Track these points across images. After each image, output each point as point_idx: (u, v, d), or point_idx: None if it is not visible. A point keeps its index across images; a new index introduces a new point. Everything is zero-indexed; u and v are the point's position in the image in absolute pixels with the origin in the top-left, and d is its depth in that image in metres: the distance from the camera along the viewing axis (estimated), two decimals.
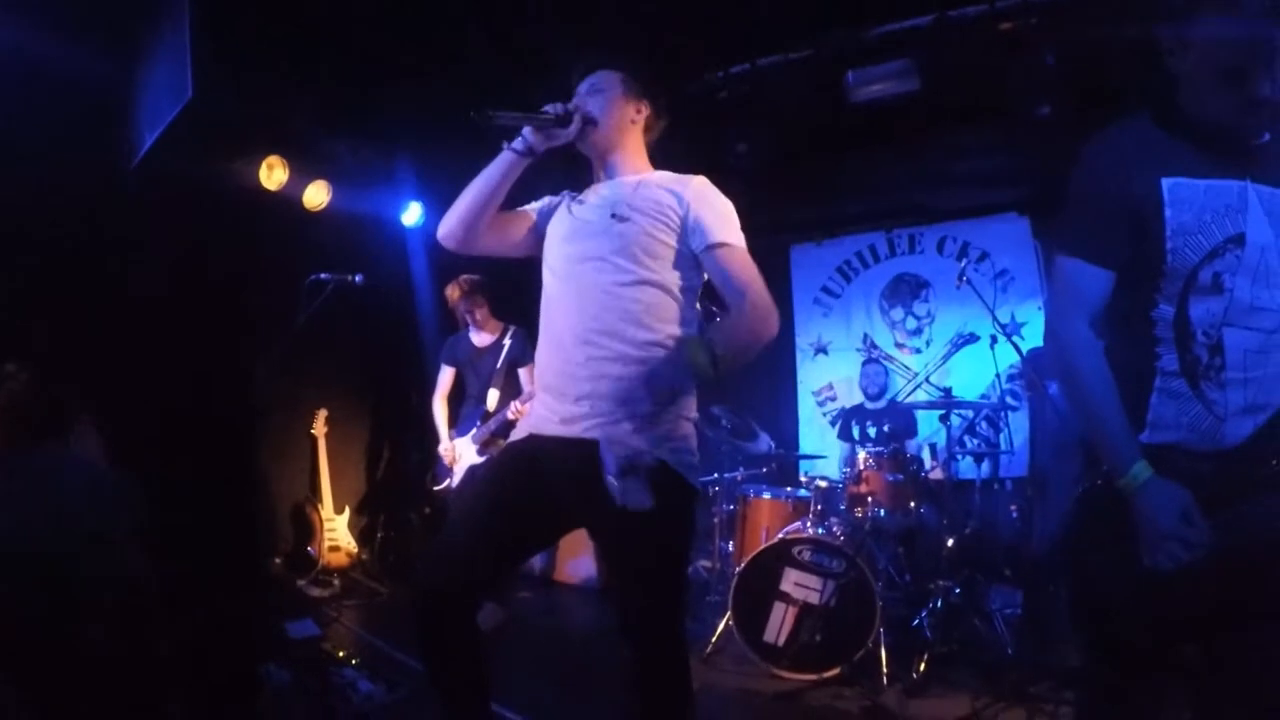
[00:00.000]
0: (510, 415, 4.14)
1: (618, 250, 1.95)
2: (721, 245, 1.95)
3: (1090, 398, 1.47)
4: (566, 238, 2.07)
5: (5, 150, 3.51)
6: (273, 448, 5.06)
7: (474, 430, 4.40)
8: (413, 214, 5.33)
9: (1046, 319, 1.60)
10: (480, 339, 4.48)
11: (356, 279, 3.98)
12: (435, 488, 4.56)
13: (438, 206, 4.94)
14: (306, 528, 5.11)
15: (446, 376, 4.57)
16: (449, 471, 4.46)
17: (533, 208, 2.22)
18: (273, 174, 4.53)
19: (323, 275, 3.97)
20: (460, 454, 4.42)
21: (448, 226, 2.11)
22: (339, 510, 5.16)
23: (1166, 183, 1.42)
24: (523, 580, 4.96)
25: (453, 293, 4.44)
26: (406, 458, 5.86)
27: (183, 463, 3.86)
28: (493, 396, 4.28)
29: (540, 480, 1.95)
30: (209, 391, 4.23)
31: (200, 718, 2.57)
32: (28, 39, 3.50)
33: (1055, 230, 1.59)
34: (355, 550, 5.09)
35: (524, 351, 4.29)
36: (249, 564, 4.54)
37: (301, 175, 4.69)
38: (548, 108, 2.00)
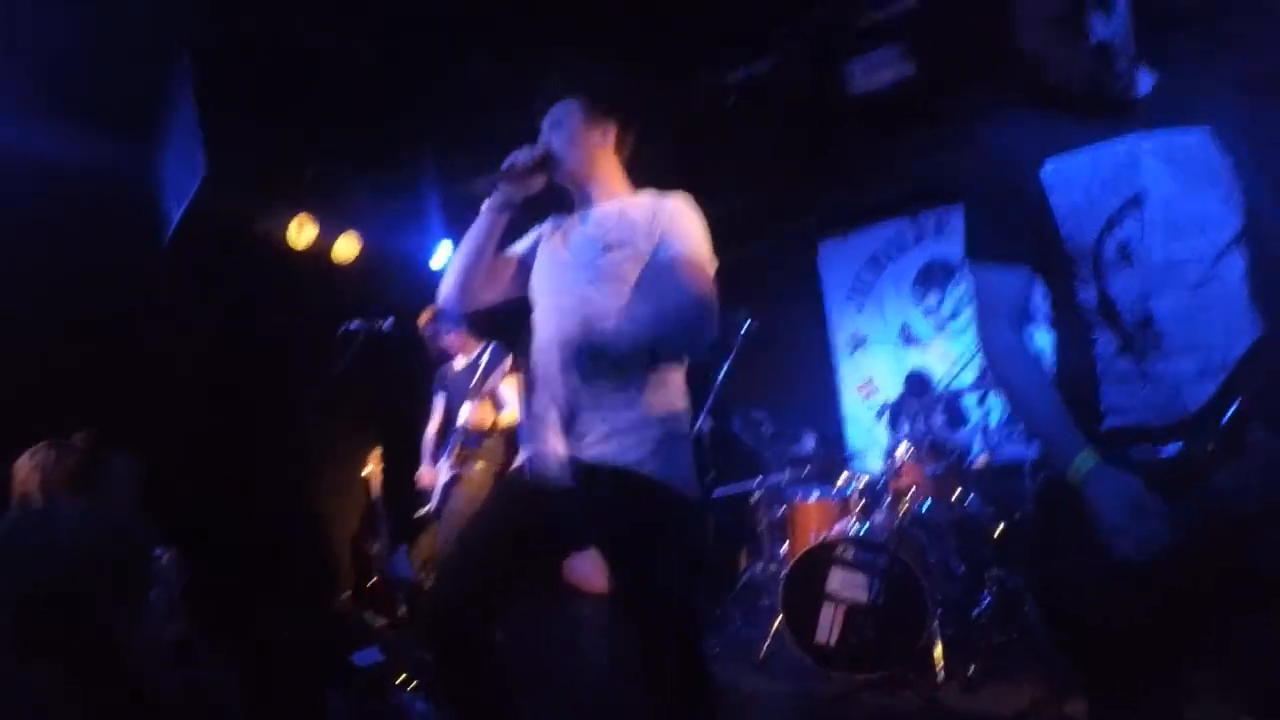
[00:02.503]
0: (470, 425, 4.11)
1: (602, 282, 1.99)
2: (679, 255, 1.96)
3: (1021, 399, 1.44)
4: (552, 273, 2.12)
5: (50, 244, 3.75)
6: (330, 490, 5.24)
7: (448, 447, 4.39)
8: (441, 255, 5.35)
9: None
10: (459, 361, 4.46)
11: (385, 325, 4.11)
12: (416, 515, 4.54)
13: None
14: (369, 563, 5.23)
15: (438, 405, 4.55)
16: (429, 497, 4.45)
17: (520, 247, 2.26)
18: (302, 232, 4.65)
19: (353, 325, 4.10)
20: (439, 475, 4.39)
21: (446, 292, 2.20)
22: (396, 545, 5.25)
23: (1046, 166, 1.37)
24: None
25: (421, 322, 4.43)
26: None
27: (239, 510, 4.01)
28: (465, 410, 4.21)
29: (543, 502, 1.99)
30: (259, 446, 4.40)
31: None
32: (54, 140, 3.68)
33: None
34: (413, 581, 5.18)
35: (500, 364, 4.21)
36: (312, 599, 4.67)
37: (330, 228, 4.81)
38: (515, 157, 2.04)
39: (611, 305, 1.96)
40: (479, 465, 4.21)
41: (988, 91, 3.64)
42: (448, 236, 5.32)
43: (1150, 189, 1.32)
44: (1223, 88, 1.39)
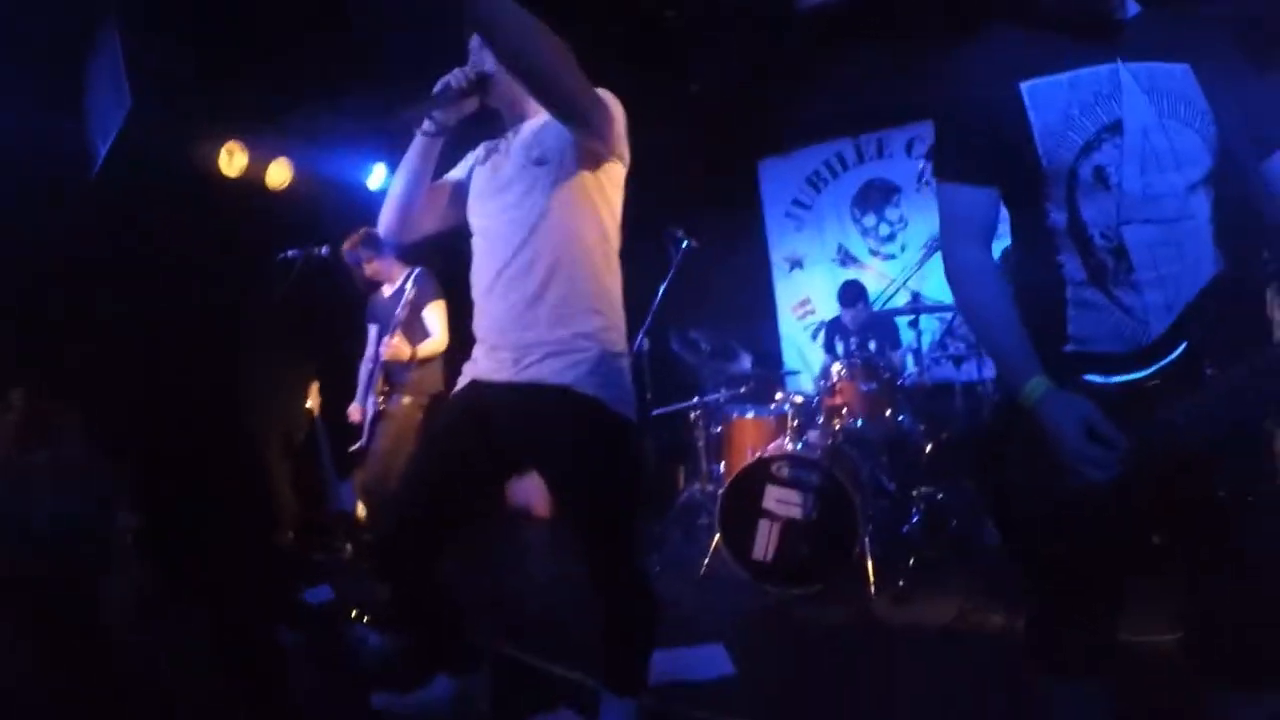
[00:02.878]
0: (386, 355, 4.00)
1: (536, 193, 1.95)
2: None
3: (982, 321, 1.45)
4: (486, 192, 2.07)
5: None
6: (272, 425, 5.13)
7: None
8: (377, 176, 5.25)
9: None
10: (386, 289, 4.31)
11: (323, 251, 3.99)
12: (350, 449, 4.38)
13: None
14: (314, 498, 5.14)
15: (370, 336, 4.41)
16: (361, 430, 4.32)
17: (457, 173, 2.22)
18: (233, 160, 4.52)
19: (290, 252, 3.97)
20: (367, 410, 4.25)
21: (384, 222, 2.17)
22: (343, 477, 5.15)
23: (1025, 86, 1.35)
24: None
25: (344, 249, 4.24)
26: None
27: (179, 447, 3.92)
28: (390, 342, 4.05)
29: (485, 423, 2.01)
30: (195, 380, 4.27)
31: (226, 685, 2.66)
32: None
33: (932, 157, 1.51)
34: (364, 511, 5.13)
35: (425, 291, 4.11)
36: (259, 537, 4.61)
37: (262, 155, 4.69)
38: (448, 79, 1.98)
39: (549, 215, 1.94)
40: (405, 399, 4.11)
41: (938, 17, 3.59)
42: (382, 159, 5.20)
43: (1129, 117, 1.31)
44: (1204, 27, 1.38)
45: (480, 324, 2.06)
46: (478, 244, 2.08)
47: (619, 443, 1.99)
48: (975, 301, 1.45)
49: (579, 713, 2.37)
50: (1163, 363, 1.31)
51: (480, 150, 2.17)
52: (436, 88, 1.99)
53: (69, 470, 2.64)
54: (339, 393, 4.68)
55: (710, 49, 4.47)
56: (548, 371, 1.93)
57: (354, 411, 4.35)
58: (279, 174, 4.79)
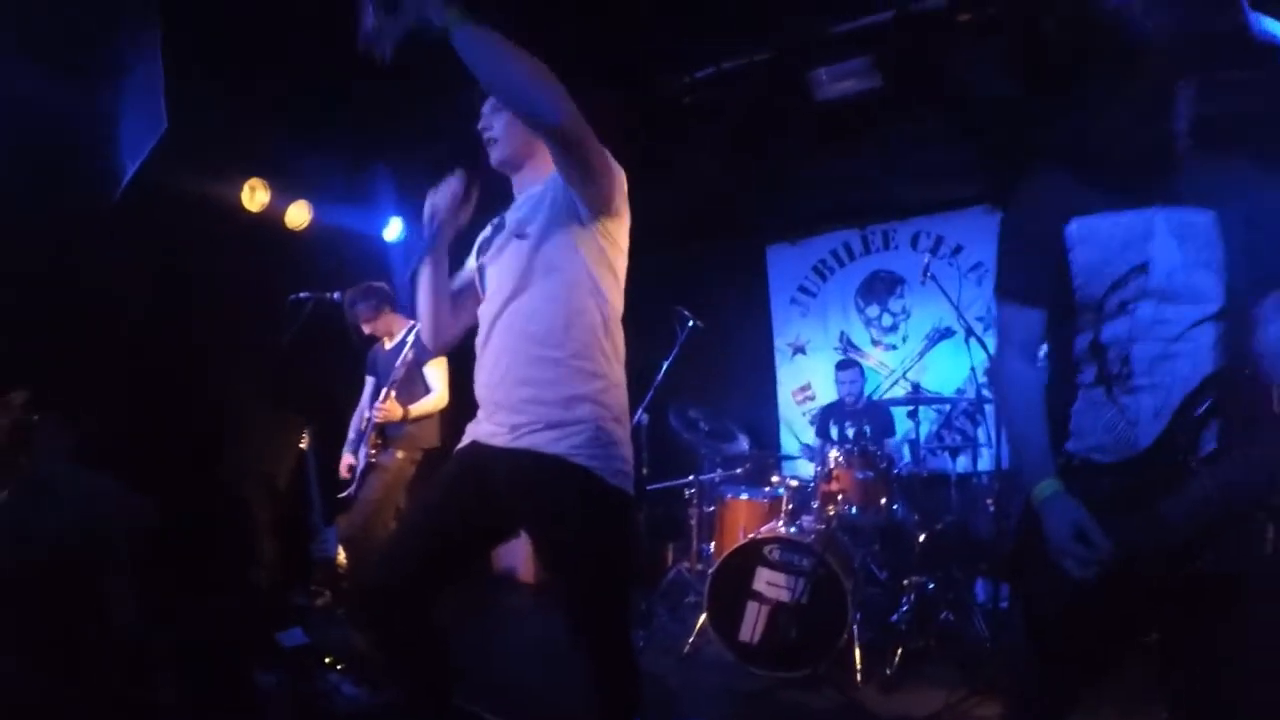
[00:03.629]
0: (378, 418, 4.01)
1: (519, 269, 1.97)
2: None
3: (1015, 424, 1.64)
4: (487, 263, 2.11)
5: None
6: (261, 465, 5.07)
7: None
8: (394, 229, 5.31)
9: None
10: (387, 342, 4.32)
11: (335, 297, 3.99)
12: (339, 495, 4.39)
13: (419, 219, 5.19)
14: (298, 541, 5.03)
15: (368, 388, 4.42)
16: (349, 482, 4.33)
17: (470, 263, 2.22)
18: (254, 196, 4.57)
19: (302, 294, 3.99)
20: (357, 460, 4.27)
21: (427, 340, 2.24)
22: (329, 523, 5.12)
23: (1072, 224, 1.54)
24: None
25: (345, 306, 4.26)
26: None
27: (166, 479, 3.90)
28: (386, 397, 4.06)
29: (482, 483, 1.99)
30: (191, 410, 4.26)
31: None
32: (8, 73, 3.53)
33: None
34: (346, 560, 5.07)
35: (427, 348, 4.14)
36: (236, 574, 4.54)
37: (283, 196, 4.73)
38: (433, 202, 2.09)
39: (537, 288, 1.95)
40: (398, 453, 4.10)
41: (947, 115, 3.73)
42: (399, 214, 5.28)
43: (1157, 259, 1.50)
44: (1232, 177, 1.54)
45: (479, 386, 2.07)
46: (480, 314, 2.10)
47: (612, 514, 1.94)
48: (1013, 406, 1.65)
49: None
50: (1155, 464, 1.48)
51: (488, 228, 2.19)
52: (425, 213, 2.07)
53: (108, 486, 2.67)
54: (332, 439, 4.69)
55: (726, 131, 4.62)
56: (542, 440, 1.90)
57: (344, 463, 4.33)
58: (299, 215, 4.84)
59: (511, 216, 2.08)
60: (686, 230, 4.77)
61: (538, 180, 2.07)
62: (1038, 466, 1.56)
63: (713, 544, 4.85)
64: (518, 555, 5.48)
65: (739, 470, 5.23)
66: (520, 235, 1.99)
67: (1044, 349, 1.69)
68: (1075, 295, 1.55)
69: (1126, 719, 2.70)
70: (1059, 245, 1.55)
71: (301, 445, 5.06)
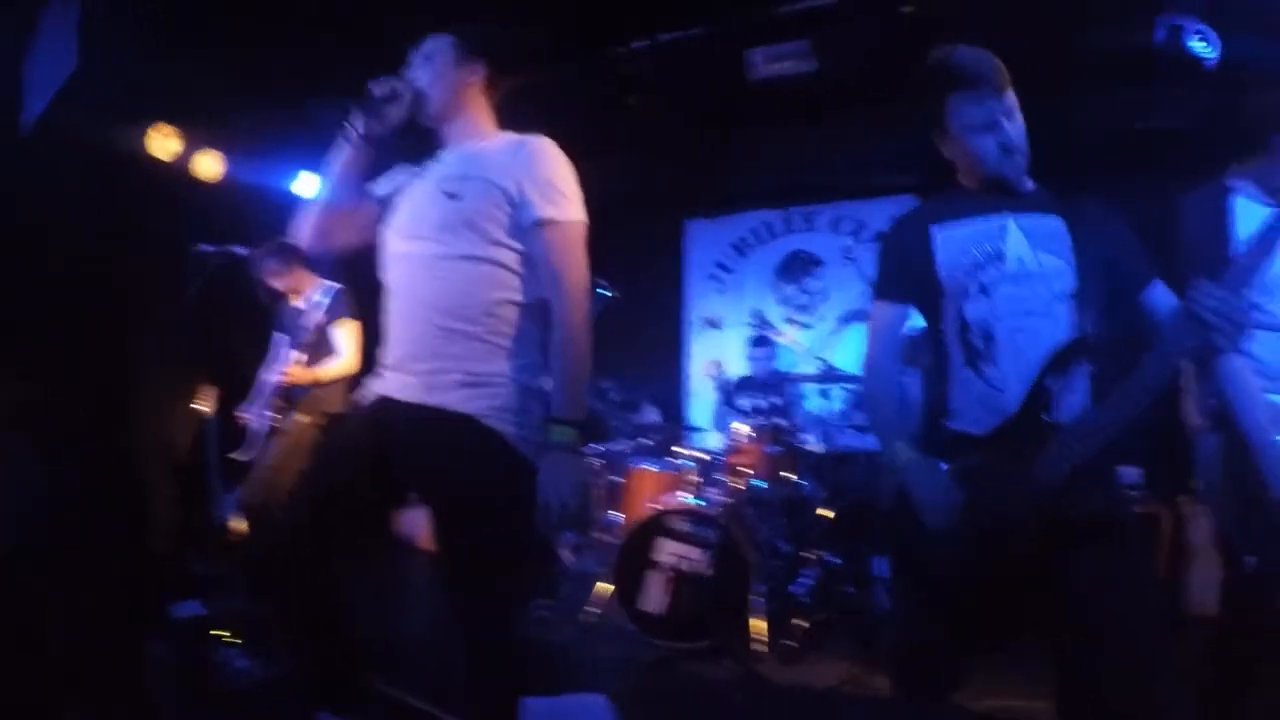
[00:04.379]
0: (278, 379, 3.89)
1: (446, 227, 1.90)
2: (546, 223, 1.88)
3: (871, 407, 1.97)
4: (401, 214, 2.02)
5: None
6: (160, 427, 4.79)
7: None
8: (306, 184, 5.11)
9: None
10: (298, 301, 4.14)
11: (240, 252, 3.79)
12: (230, 454, 4.19)
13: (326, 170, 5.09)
14: (198, 507, 4.72)
15: (276, 346, 4.22)
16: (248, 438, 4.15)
17: (381, 189, 2.13)
18: (165, 143, 4.40)
19: (206, 248, 3.73)
20: (258, 422, 4.12)
21: (299, 230, 2.08)
22: (229, 489, 4.82)
23: (935, 230, 1.82)
24: None
25: (255, 257, 4.07)
26: None
27: (62, 440, 3.67)
28: (292, 359, 3.93)
29: (383, 441, 1.91)
30: (85, 368, 4.02)
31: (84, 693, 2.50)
32: None
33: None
34: (247, 528, 4.80)
35: (336, 309, 3.99)
36: (131, 544, 4.31)
37: (195, 144, 4.58)
38: (374, 87, 1.96)
39: (455, 250, 1.89)
40: (301, 418, 3.93)
41: (881, 105, 3.76)
42: (313, 168, 4.99)
43: (1010, 249, 1.75)
44: (1079, 199, 1.80)
45: (393, 348, 1.99)
46: (394, 269, 2.01)
47: (516, 483, 1.84)
48: (871, 388, 1.91)
49: None
50: (1019, 428, 1.67)
51: (402, 173, 2.13)
52: (365, 94, 1.95)
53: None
54: (235, 401, 4.43)
55: (659, 104, 4.55)
56: (456, 398, 1.84)
57: (243, 417, 4.11)
58: (209, 166, 4.66)
59: (439, 170, 2.01)
60: (608, 200, 4.65)
61: (471, 137, 2.03)
62: (889, 438, 1.79)
63: (619, 514, 4.81)
64: (418, 521, 5.31)
65: (647, 441, 5.20)
66: (451, 195, 1.91)
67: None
68: (942, 287, 1.78)
69: (1023, 696, 2.77)
70: (926, 248, 1.80)
71: (203, 407, 4.78)
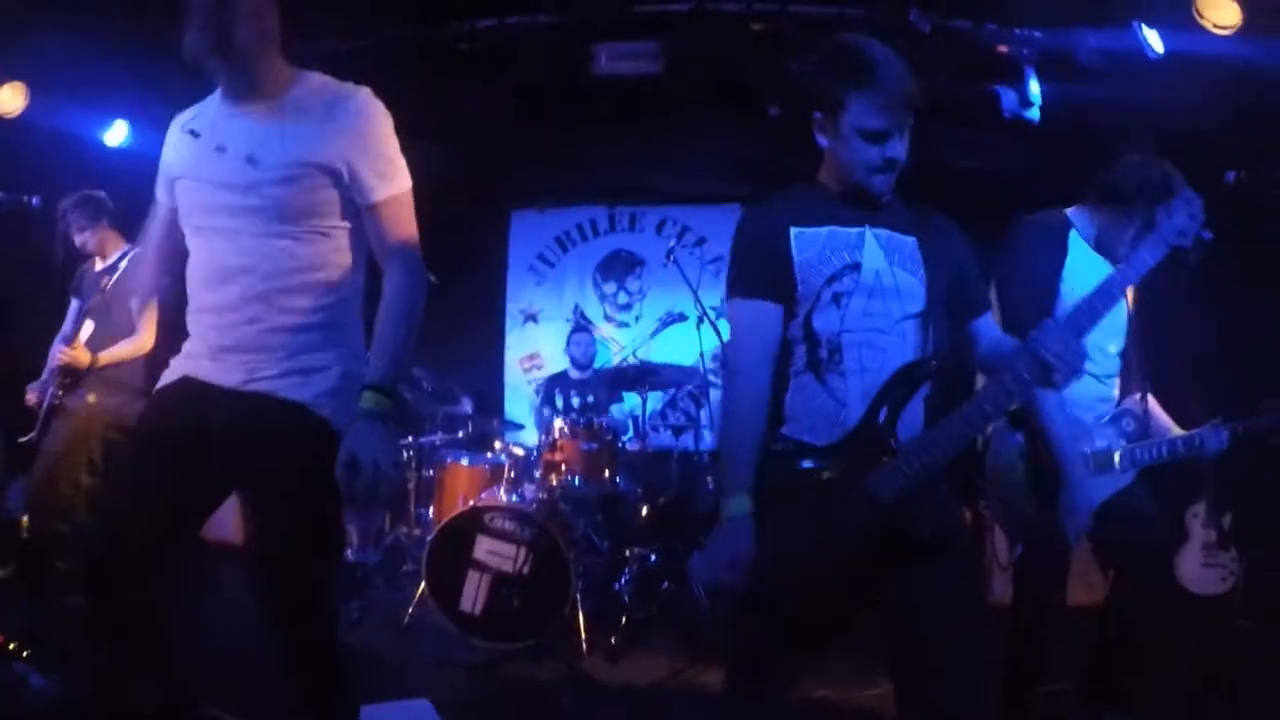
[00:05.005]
0: (58, 360, 3.43)
1: (257, 205, 1.73)
2: (379, 205, 1.79)
3: (735, 426, 1.75)
4: (197, 179, 1.80)
5: None
6: None
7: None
8: (118, 133, 4.62)
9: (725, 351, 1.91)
10: (98, 263, 3.74)
11: (33, 202, 3.24)
12: (20, 439, 3.64)
13: (147, 128, 4.55)
14: None
15: (71, 311, 3.71)
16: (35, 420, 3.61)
17: (168, 167, 1.90)
18: None
19: None
20: (41, 401, 3.60)
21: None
22: (11, 477, 4.21)
23: (793, 231, 1.75)
24: None
25: (60, 210, 3.64)
26: None
27: None
28: (85, 330, 3.54)
29: (201, 431, 1.75)
30: None
31: None
32: None
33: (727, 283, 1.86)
34: (29, 523, 4.11)
35: (137, 277, 3.50)
36: None
37: None
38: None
39: (271, 227, 1.74)
40: (89, 396, 3.48)
41: (720, 115, 3.88)
42: (125, 117, 4.61)
43: (866, 261, 1.74)
44: (933, 218, 1.86)
45: (202, 323, 1.82)
46: (197, 236, 1.81)
47: (330, 465, 1.71)
48: (740, 396, 1.75)
49: None
50: (859, 443, 1.68)
51: (183, 129, 1.87)
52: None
53: None
54: (22, 373, 3.80)
55: (496, 88, 4.44)
56: (284, 385, 1.73)
57: (31, 396, 3.57)
58: (12, 99, 4.07)
59: (233, 135, 1.76)
60: (434, 182, 4.49)
61: (266, 95, 1.78)
62: (740, 477, 1.69)
63: (431, 509, 4.66)
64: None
65: (461, 434, 5.08)
66: (253, 161, 1.72)
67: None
68: (797, 288, 1.73)
69: (850, 687, 2.98)
70: (786, 250, 1.74)
71: None
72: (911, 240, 1.79)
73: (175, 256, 1.91)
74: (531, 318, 6.19)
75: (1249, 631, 3.82)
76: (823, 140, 1.80)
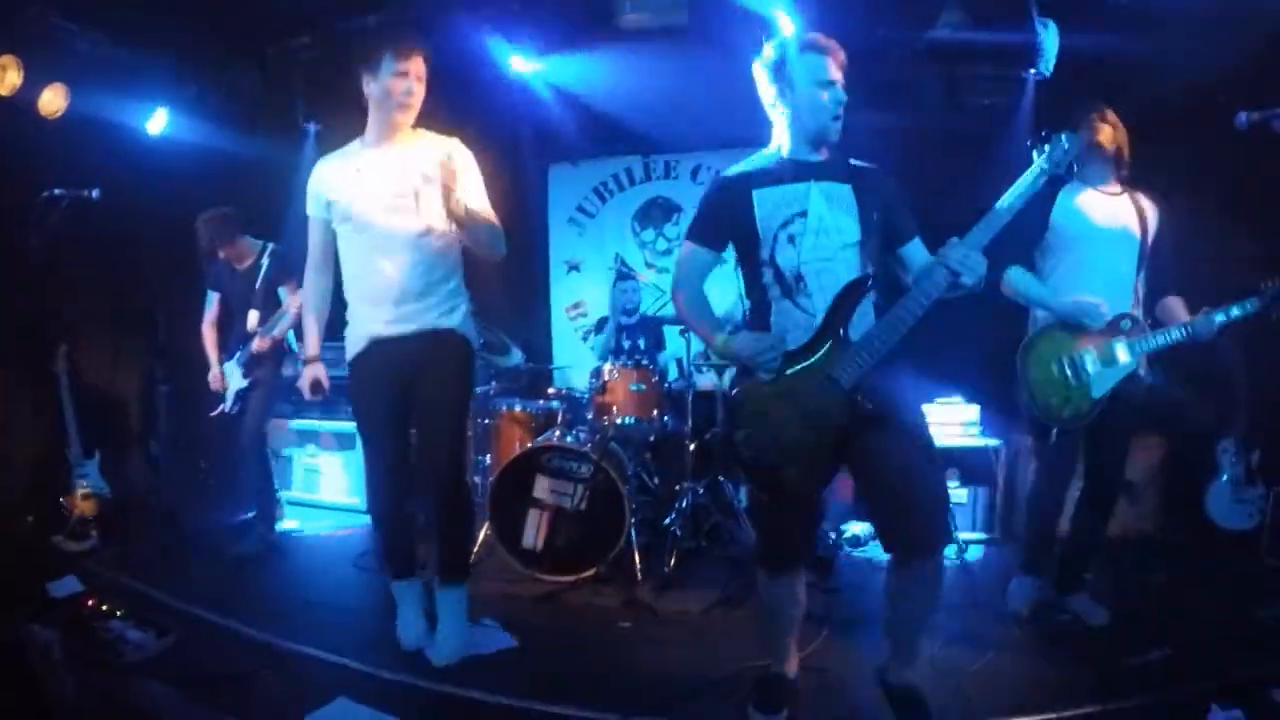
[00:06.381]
0: (255, 348, 4.26)
1: (418, 220, 2.76)
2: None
3: (690, 319, 2.43)
4: (370, 201, 2.76)
5: None
6: (5, 392, 4.47)
7: (239, 354, 4.37)
8: (158, 121, 4.89)
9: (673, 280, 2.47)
10: (239, 264, 4.40)
11: (93, 194, 3.67)
12: (211, 414, 4.48)
13: (186, 113, 4.91)
14: (56, 477, 4.50)
15: (212, 303, 4.54)
16: (221, 398, 4.43)
17: (317, 213, 2.89)
18: (5, 76, 4.01)
19: (56, 191, 3.64)
20: (228, 379, 4.41)
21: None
22: (89, 454, 4.57)
23: (755, 192, 2.31)
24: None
25: (200, 233, 4.30)
26: (155, 389, 5.42)
27: None
28: (253, 318, 4.28)
29: (395, 374, 2.81)
30: None
31: None
32: None
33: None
34: (109, 495, 4.56)
35: (282, 270, 4.26)
36: None
37: (38, 77, 4.17)
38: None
39: (420, 222, 2.78)
40: (270, 366, 4.38)
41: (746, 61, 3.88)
42: (165, 105, 4.85)
43: (811, 209, 2.28)
44: (865, 169, 2.38)
45: (366, 293, 2.82)
46: (368, 231, 2.77)
47: (470, 364, 2.96)
48: (686, 305, 2.40)
49: None
50: (822, 341, 2.22)
51: (349, 159, 2.84)
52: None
53: None
54: (99, 355, 4.14)
55: (522, 46, 4.53)
56: (442, 319, 2.82)
57: (215, 379, 4.47)
58: (54, 100, 4.26)
59: (402, 165, 2.75)
60: (472, 145, 4.66)
61: (418, 145, 2.80)
62: (712, 333, 2.30)
63: (489, 455, 4.91)
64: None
65: (514, 383, 5.29)
66: (427, 178, 2.71)
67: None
68: (759, 238, 2.28)
69: None
70: (749, 206, 2.29)
71: (55, 367, 4.52)
72: (846, 187, 2.31)
73: None
74: (575, 268, 6.33)
75: (1276, 569, 3.83)
76: (784, 103, 2.33)
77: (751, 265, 2.34)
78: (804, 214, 2.25)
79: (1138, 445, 4.14)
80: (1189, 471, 4.27)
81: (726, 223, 2.33)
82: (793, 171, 2.31)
